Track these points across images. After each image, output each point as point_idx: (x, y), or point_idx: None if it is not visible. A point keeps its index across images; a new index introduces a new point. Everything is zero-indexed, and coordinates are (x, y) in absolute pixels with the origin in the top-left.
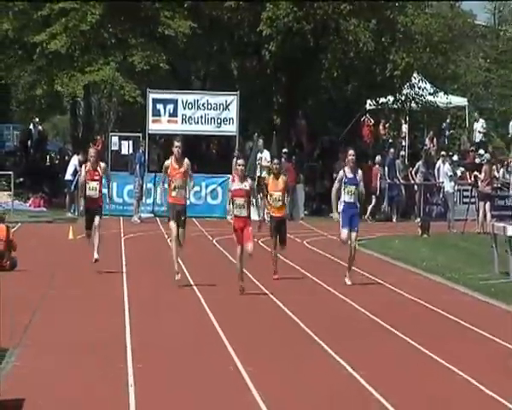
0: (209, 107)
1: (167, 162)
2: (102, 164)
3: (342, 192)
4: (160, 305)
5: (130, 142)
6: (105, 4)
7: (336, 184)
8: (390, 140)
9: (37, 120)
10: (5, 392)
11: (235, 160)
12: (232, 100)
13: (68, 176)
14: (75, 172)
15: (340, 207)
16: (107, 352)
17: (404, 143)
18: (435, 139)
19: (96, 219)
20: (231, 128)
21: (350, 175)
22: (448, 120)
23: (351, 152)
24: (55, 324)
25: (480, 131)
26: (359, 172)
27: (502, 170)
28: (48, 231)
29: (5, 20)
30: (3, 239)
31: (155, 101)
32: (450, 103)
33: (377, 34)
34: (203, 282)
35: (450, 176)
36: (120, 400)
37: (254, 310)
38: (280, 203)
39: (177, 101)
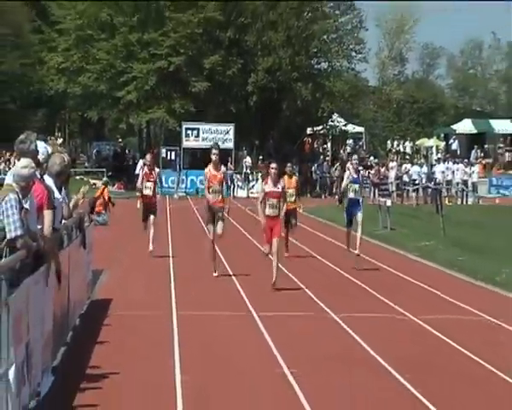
0: (217, 132)
1: (206, 170)
2: (157, 169)
3: (348, 189)
4: (192, 243)
5: (173, 152)
6: (158, 74)
7: (346, 181)
8: (320, 151)
9: (120, 139)
10: (100, 294)
11: (241, 162)
12: (230, 128)
13: (137, 172)
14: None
15: (345, 204)
16: (159, 270)
17: (328, 153)
18: (346, 151)
19: (151, 217)
20: (230, 145)
21: (354, 175)
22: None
23: (355, 157)
24: (132, 255)
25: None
26: (361, 172)
27: (383, 168)
28: (125, 203)
29: (100, 83)
30: (101, 192)
31: (187, 128)
32: (354, 129)
33: (313, 91)
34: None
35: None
36: (166, 294)
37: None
38: (293, 198)
39: (199, 128)
